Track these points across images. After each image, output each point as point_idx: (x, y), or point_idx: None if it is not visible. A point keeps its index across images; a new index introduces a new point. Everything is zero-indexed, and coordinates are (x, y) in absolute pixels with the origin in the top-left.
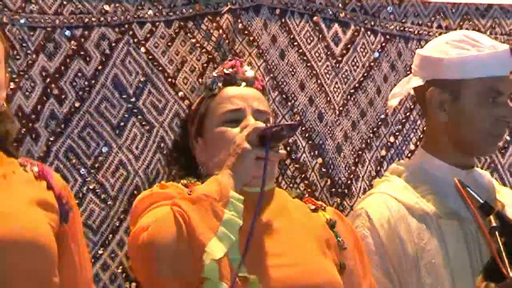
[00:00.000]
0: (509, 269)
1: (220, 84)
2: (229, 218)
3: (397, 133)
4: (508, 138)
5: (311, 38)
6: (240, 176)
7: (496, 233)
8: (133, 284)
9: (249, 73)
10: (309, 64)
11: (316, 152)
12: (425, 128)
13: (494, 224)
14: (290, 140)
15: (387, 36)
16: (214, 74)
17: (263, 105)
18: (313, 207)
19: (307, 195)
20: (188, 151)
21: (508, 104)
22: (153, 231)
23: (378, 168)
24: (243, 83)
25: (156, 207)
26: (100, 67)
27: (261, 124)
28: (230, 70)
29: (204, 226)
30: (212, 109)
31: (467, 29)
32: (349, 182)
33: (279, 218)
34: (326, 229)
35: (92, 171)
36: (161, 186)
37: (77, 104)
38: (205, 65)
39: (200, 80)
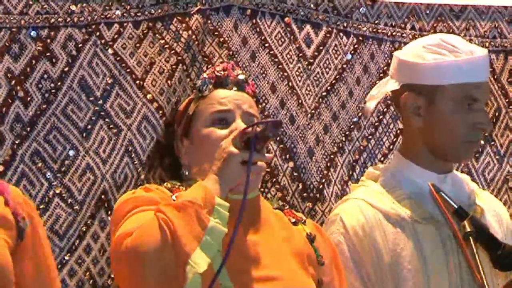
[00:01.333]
0: (482, 275)
1: (210, 86)
2: (214, 226)
3: (369, 137)
4: (482, 142)
5: (283, 40)
6: (226, 181)
7: (471, 238)
8: None
9: (241, 76)
10: (280, 66)
11: (288, 156)
12: (401, 132)
13: (468, 229)
14: None
15: (360, 38)
16: (205, 75)
17: (253, 109)
18: (293, 220)
19: (287, 207)
20: (171, 152)
21: (484, 110)
22: (137, 238)
23: (351, 172)
24: (234, 87)
25: (140, 211)
26: (66, 69)
27: (247, 129)
28: (222, 72)
29: (188, 234)
30: (201, 110)
31: (441, 30)
32: (321, 186)
33: (262, 229)
34: (306, 243)
35: (58, 175)
36: (146, 189)
37: (43, 107)
38: (174, 66)
39: (169, 82)
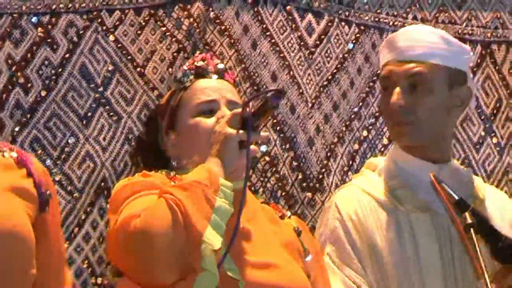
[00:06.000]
0: (483, 266)
1: (191, 77)
2: (221, 205)
3: (370, 127)
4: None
5: (284, 28)
6: (226, 163)
7: (471, 230)
8: (99, 279)
9: (220, 65)
10: (281, 55)
11: (288, 145)
12: None
13: (469, 221)
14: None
15: (362, 27)
16: (185, 67)
17: (236, 97)
18: (279, 214)
19: (272, 202)
20: (154, 147)
21: (395, 91)
22: (147, 219)
23: (351, 162)
24: (215, 76)
25: (142, 195)
26: (67, 55)
27: (239, 109)
28: (201, 63)
29: (198, 213)
30: (185, 101)
31: (443, 21)
32: (320, 176)
33: (252, 220)
34: (295, 237)
35: (58, 162)
36: (144, 175)
37: (43, 93)
38: (175, 54)
39: (170, 70)
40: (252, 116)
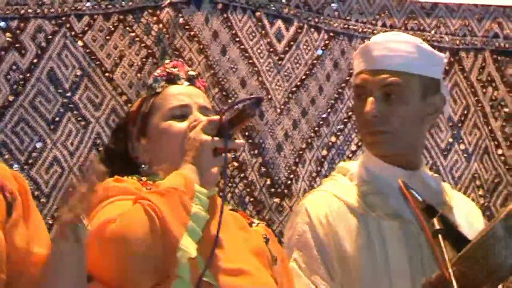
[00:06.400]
0: (451, 272)
1: (163, 83)
2: (197, 212)
3: (338, 133)
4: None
5: (254, 34)
6: (201, 170)
7: (439, 236)
8: None
9: (191, 72)
10: (250, 61)
11: (256, 151)
12: None
13: (437, 227)
14: None
15: (331, 34)
16: (156, 73)
17: (207, 103)
18: (248, 221)
19: (240, 210)
20: (123, 155)
21: (369, 101)
22: (124, 224)
23: (319, 168)
24: (186, 82)
25: (116, 200)
26: (35, 60)
27: (216, 117)
28: (173, 69)
29: (175, 220)
30: (157, 107)
31: (412, 28)
32: (289, 182)
33: (223, 228)
34: (264, 244)
35: (25, 167)
36: (117, 180)
37: (11, 98)
38: (144, 60)
39: (138, 75)
40: (228, 123)
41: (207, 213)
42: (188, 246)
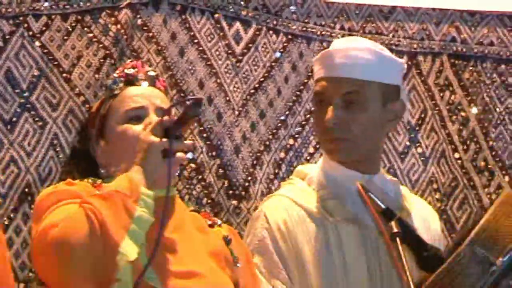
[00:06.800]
0: (408, 275)
1: (121, 85)
2: (140, 215)
3: (296, 136)
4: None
5: (212, 36)
6: (149, 171)
7: (397, 239)
8: (22, 285)
9: (151, 72)
10: (208, 63)
11: (214, 153)
12: None
13: (395, 230)
14: None
15: (289, 36)
16: (115, 74)
17: (165, 104)
18: (210, 222)
19: (203, 210)
20: (87, 155)
21: (330, 108)
22: (64, 228)
23: (277, 170)
24: (145, 83)
25: (64, 204)
26: None
27: (164, 117)
28: (132, 70)
29: (116, 223)
30: (114, 109)
31: (370, 31)
32: (247, 184)
33: (179, 228)
34: (223, 245)
35: None
36: (68, 183)
37: None
38: (102, 60)
39: (96, 76)
40: (174, 124)
41: (153, 216)
42: (128, 250)
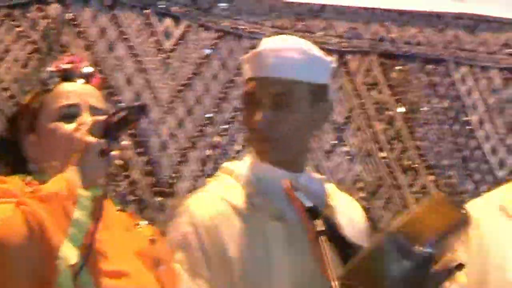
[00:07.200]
0: (333, 273)
1: (56, 79)
2: (78, 218)
3: (223, 133)
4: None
5: (141, 32)
6: (86, 172)
7: (323, 237)
8: None
9: (87, 69)
10: (137, 59)
11: (141, 149)
12: None
13: (321, 228)
14: None
15: (220, 33)
16: (51, 69)
17: (100, 103)
18: (135, 222)
19: (128, 210)
20: (16, 147)
21: (259, 108)
22: (2, 230)
23: (203, 167)
24: (81, 80)
25: None
26: None
27: (102, 117)
28: (68, 65)
29: (55, 226)
30: (47, 104)
31: (300, 29)
32: (173, 181)
33: (107, 227)
34: (149, 246)
35: None
36: (0, 181)
37: None
38: (30, 55)
39: (23, 70)
40: (114, 125)
41: (90, 217)
42: (68, 253)
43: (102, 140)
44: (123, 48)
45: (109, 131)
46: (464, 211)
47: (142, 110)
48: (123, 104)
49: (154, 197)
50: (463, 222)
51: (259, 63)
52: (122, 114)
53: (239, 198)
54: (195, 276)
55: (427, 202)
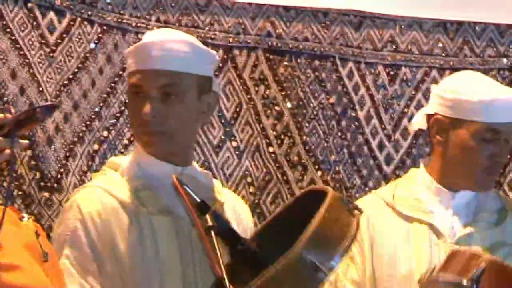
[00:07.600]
0: (222, 268)
1: None
2: None
3: (110, 128)
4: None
5: (25, 26)
6: None
7: (212, 232)
8: None
9: None
10: (21, 52)
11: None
12: None
13: (210, 223)
14: None
15: (104, 27)
16: None
17: None
18: (18, 216)
19: (10, 204)
20: None
21: (147, 101)
22: None
23: (90, 162)
24: None
25: None
26: None
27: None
28: None
29: None
30: None
31: (186, 24)
32: (59, 176)
33: None
34: (35, 239)
35: None
36: None
37: None
38: None
39: None
40: (15, 124)
41: None
42: None
43: (1, 139)
44: (6, 41)
45: (10, 130)
46: (358, 214)
47: (50, 110)
48: (5, 99)
49: (40, 192)
50: (358, 226)
51: (145, 56)
52: (25, 113)
53: (126, 193)
54: (85, 273)
55: (328, 208)
